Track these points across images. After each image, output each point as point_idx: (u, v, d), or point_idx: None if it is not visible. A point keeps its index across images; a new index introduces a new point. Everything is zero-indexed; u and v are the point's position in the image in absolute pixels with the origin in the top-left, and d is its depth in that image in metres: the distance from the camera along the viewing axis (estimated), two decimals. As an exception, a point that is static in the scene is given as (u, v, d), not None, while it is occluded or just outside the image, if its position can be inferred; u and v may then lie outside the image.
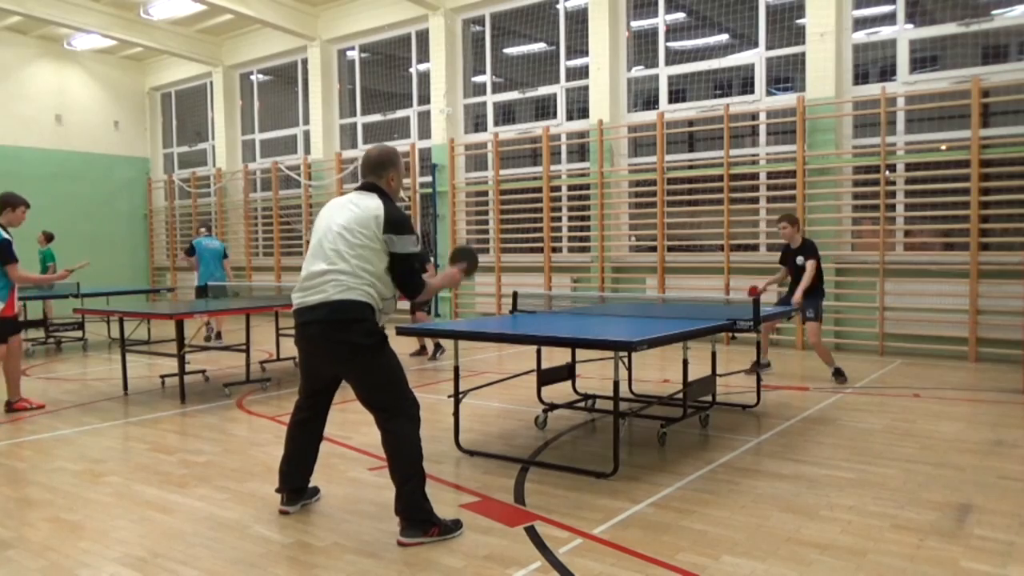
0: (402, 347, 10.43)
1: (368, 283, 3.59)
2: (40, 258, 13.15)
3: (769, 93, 10.63)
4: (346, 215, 3.65)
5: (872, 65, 10.01)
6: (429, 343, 9.47)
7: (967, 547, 3.45)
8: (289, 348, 9.79)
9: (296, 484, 4.05)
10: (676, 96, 11.40)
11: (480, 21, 13.30)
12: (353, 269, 3.58)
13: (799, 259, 7.55)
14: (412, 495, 3.60)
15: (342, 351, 3.62)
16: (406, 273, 3.68)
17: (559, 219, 12.45)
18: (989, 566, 3.25)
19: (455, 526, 3.67)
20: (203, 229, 12.82)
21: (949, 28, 9.34)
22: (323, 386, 3.96)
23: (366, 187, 3.77)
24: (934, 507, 3.97)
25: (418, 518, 3.59)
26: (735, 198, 10.58)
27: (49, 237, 13.12)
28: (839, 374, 7.57)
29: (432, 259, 9.21)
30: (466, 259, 4.19)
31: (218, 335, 11.56)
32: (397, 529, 3.72)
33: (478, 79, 13.51)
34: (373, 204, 3.64)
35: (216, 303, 8.65)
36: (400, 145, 14.19)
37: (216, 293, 10.60)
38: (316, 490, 4.21)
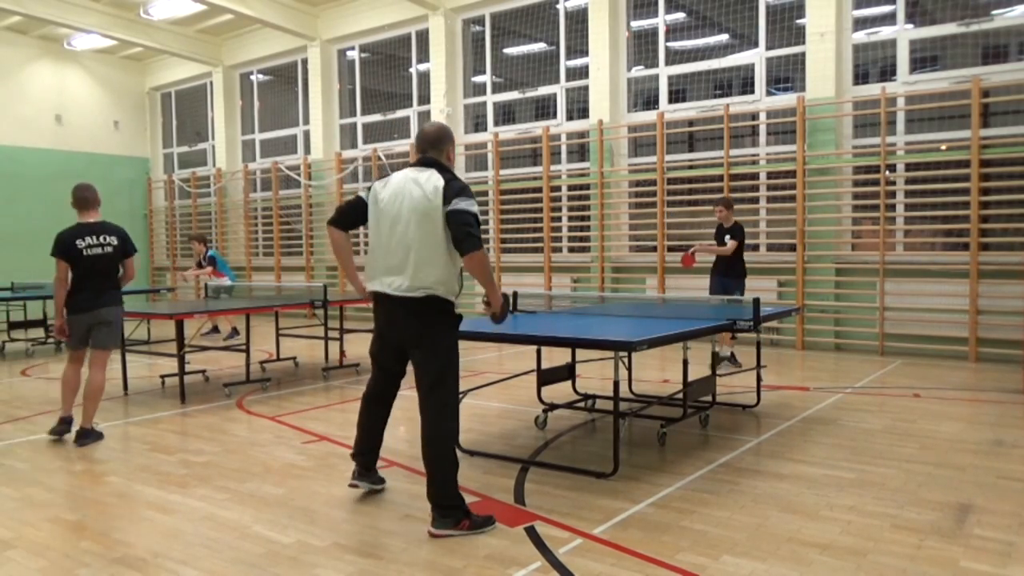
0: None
1: (445, 273, 3.69)
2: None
3: (769, 93, 10.63)
4: (419, 192, 3.69)
5: (872, 65, 10.01)
6: None
7: (967, 547, 3.45)
8: (289, 348, 9.81)
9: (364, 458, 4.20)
10: (676, 96, 11.40)
11: (480, 21, 13.30)
12: (428, 257, 3.66)
13: (727, 237, 8.41)
14: (443, 477, 3.68)
15: (424, 322, 3.75)
16: (464, 231, 3.63)
17: (559, 219, 12.45)
18: (989, 566, 3.25)
19: (487, 522, 3.70)
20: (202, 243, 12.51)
21: (949, 28, 9.34)
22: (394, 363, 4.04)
23: (426, 162, 3.83)
24: (934, 507, 3.97)
25: (446, 504, 3.65)
26: (735, 198, 10.56)
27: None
28: (733, 359, 8.44)
29: None
30: (504, 309, 4.06)
31: (234, 331, 11.52)
32: (398, 529, 3.73)
33: (478, 79, 13.51)
34: (435, 179, 3.70)
35: (216, 303, 8.65)
36: (400, 145, 14.21)
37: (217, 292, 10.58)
38: (383, 481, 4.30)
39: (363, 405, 4.19)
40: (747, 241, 10.70)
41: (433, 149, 3.86)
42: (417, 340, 3.76)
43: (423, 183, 3.71)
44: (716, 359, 7.06)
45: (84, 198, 5.97)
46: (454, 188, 3.67)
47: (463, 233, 3.63)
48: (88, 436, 5.58)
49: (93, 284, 5.71)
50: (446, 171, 3.78)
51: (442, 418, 3.72)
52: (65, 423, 5.69)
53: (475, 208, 3.69)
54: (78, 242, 5.70)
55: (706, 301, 7.76)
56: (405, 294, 3.71)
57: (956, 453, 4.99)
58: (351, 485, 4.18)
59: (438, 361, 3.75)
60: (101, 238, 5.76)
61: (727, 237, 8.40)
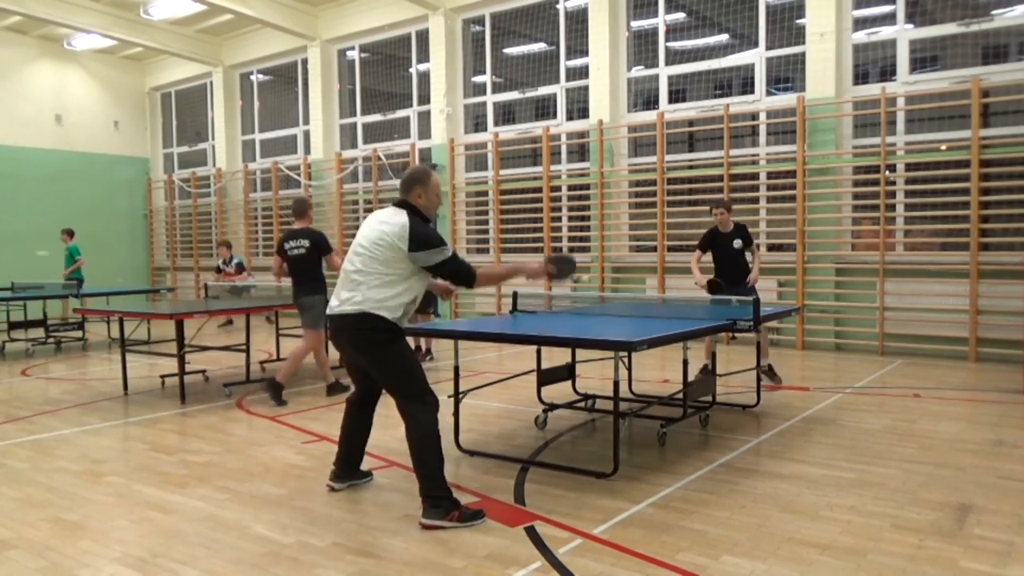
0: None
1: (382, 296, 3.90)
2: (67, 254, 13.17)
3: (769, 93, 10.63)
4: (376, 233, 3.96)
5: (872, 65, 10.01)
6: (424, 344, 9.40)
7: (967, 547, 3.45)
8: (289, 348, 9.78)
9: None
10: (676, 96, 11.40)
11: (480, 21, 13.30)
12: (370, 283, 3.91)
13: (736, 243, 7.61)
14: (429, 470, 3.85)
15: (361, 343, 4.00)
16: (447, 275, 4.06)
17: (559, 219, 12.45)
18: (989, 566, 3.25)
19: (476, 516, 3.82)
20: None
21: (949, 28, 9.34)
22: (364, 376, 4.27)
23: (398, 203, 4.08)
24: (934, 507, 3.97)
25: (434, 494, 3.80)
26: (735, 198, 10.57)
27: (71, 233, 13.22)
28: (771, 372, 7.60)
29: None
30: (558, 264, 4.47)
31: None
32: (398, 529, 3.73)
33: (478, 79, 13.51)
34: (400, 220, 3.94)
35: (216, 303, 8.64)
36: (400, 145, 14.21)
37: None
38: (369, 474, 4.51)
39: (346, 408, 4.40)
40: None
41: (404, 192, 4.10)
42: (363, 357, 4.04)
43: (388, 219, 3.98)
44: (772, 373, 7.40)
45: (295, 209, 7.34)
46: (418, 234, 3.90)
47: (454, 280, 4.07)
48: (273, 389, 6.78)
49: (296, 278, 7.14)
50: (414, 213, 4.00)
51: (416, 417, 3.92)
52: (333, 387, 7.20)
53: (446, 252, 3.96)
54: (286, 244, 7.13)
55: (706, 301, 7.72)
56: (343, 311, 3.97)
57: (956, 453, 4.99)
58: (328, 487, 4.37)
59: (388, 371, 4.00)
60: (298, 241, 7.09)
61: (736, 242, 7.69)
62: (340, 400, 4.55)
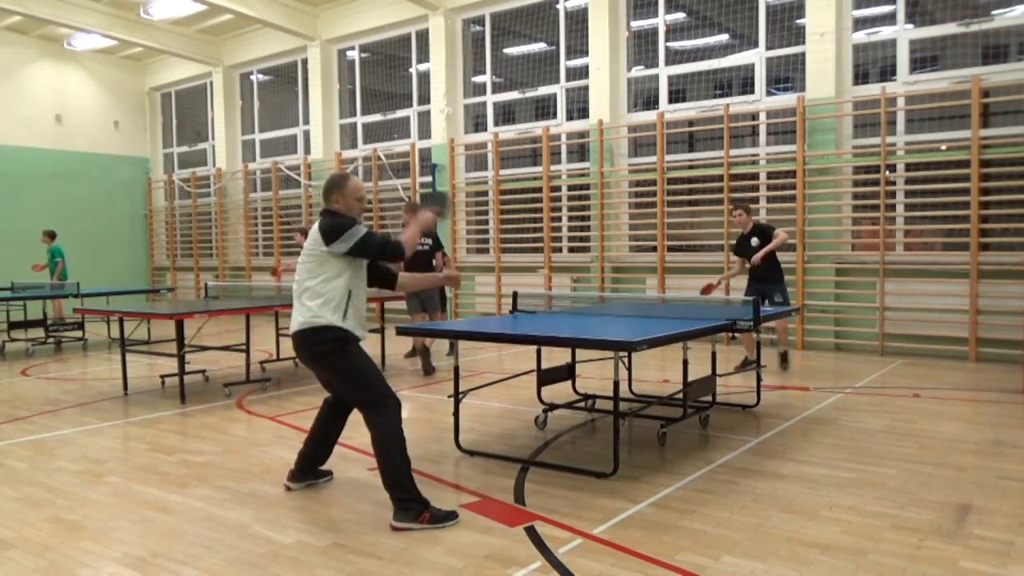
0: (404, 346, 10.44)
1: (319, 301, 3.99)
2: (49, 255, 13.18)
3: (769, 93, 10.63)
4: (306, 248, 4.09)
5: (872, 65, 10.01)
6: (428, 344, 9.27)
7: (967, 547, 3.45)
8: (289, 348, 9.78)
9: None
10: (676, 96, 11.40)
11: (480, 21, 13.30)
12: (308, 294, 4.02)
13: (754, 241, 7.92)
14: (394, 475, 3.87)
15: (312, 356, 4.11)
16: (376, 253, 4.08)
17: (559, 219, 12.45)
18: (989, 566, 3.25)
19: (448, 517, 3.80)
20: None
21: (949, 28, 9.34)
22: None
23: (320, 212, 4.18)
24: (934, 507, 3.97)
25: (401, 497, 3.82)
26: (735, 198, 10.57)
27: (52, 235, 13.21)
28: (784, 359, 8.26)
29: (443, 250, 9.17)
30: (435, 202, 4.68)
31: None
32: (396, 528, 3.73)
33: (478, 79, 13.51)
34: (314, 226, 4.08)
35: (217, 303, 8.64)
36: (400, 145, 14.21)
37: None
38: (328, 472, 4.55)
39: (322, 409, 4.42)
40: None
41: (325, 201, 4.20)
42: (320, 369, 4.15)
43: (311, 233, 4.09)
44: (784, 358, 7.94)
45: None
46: (327, 226, 3.98)
47: (387, 256, 4.10)
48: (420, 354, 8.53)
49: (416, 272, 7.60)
50: (330, 215, 4.09)
51: (377, 424, 3.94)
52: (417, 354, 8.70)
53: (360, 230, 3.98)
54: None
55: (705, 301, 7.73)
56: (294, 330, 4.07)
57: (956, 453, 4.99)
58: (285, 487, 4.40)
59: (342, 381, 4.10)
60: (423, 238, 7.86)
61: (754, 241, 7.91)
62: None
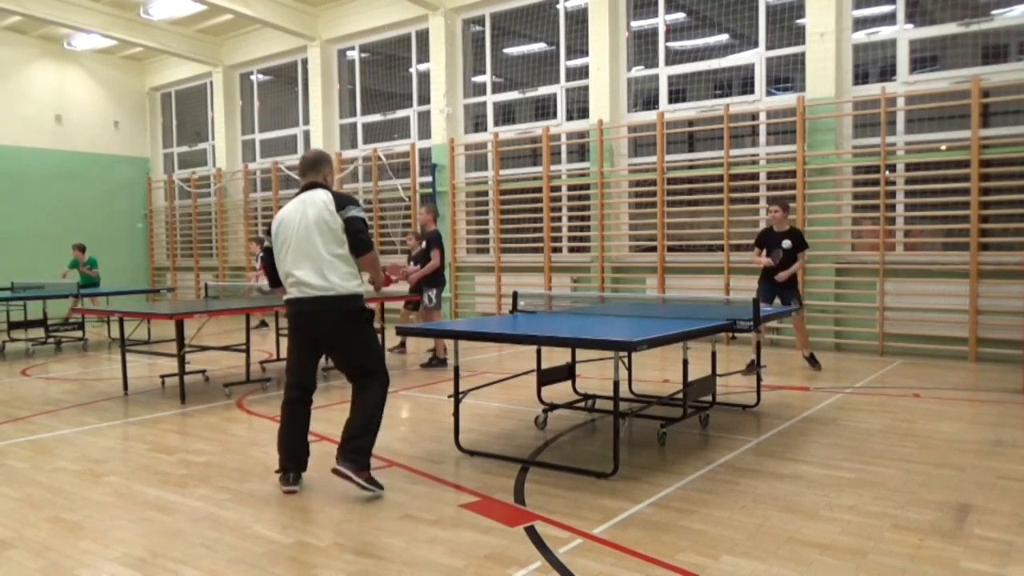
0: (416, 346, 10.42)
1: (352, 273, 4.25)
2: (88, 265, 12.98)
3: (769, 93, 10.63)
4: (311, 214, 4.21)
5: (872, 65, 10.01)
6: (439, 346, 9.21)
7: (967, 547, 3.45)
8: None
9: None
10: (676, 96, 11.40)
11: (480, 21, 13.30)
12: (331, 262, 4.19)
13: (785, 243, 7.90)
14: (371, 437, 4.24)
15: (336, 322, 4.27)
16: (357, 232, 4.24)
17: (559, 219, 12.45)
18: (989, 566, 3.25)
19: (378, 485, 4.19)
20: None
21: (949, 28, 9.34)
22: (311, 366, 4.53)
23: (309, 186, 4.37)
24: (934, 507, 3.97)
25: (361, 451, 4.18)
26: (735, 198, 10.58)
27: (83, 248, 13.11)
28: (813, 360, 8.20)
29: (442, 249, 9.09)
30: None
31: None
32: (398, 529, 3.73)
33: (478, 79, 13.51)
34: (323, 196, 4.25)
35: (217, 303, 8.65)
36: (400, 145, 14.21)
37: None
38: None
39: (290, 409, 4.50)
40: (747, 241, 10.74)
41: (312, 172, 4.40)
42: (341, 332, 4.27)
43: (315, 201, 4.24)
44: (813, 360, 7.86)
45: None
46: (342, 199, 4.27)
47: (356, 240, 4.23)
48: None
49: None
50: (328, 189, 4.36)
51: (374, 388, 4.28)
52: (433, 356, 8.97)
53: (363, 214, 4.31)
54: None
55: (705, 301, 7.73)
56: (321, 294, 4.18)
57: (956, 453, 4.99)
58: (291, 492, 4.37)
59: (363, 343, 4.30)
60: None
61: (786, 243, 7.84)
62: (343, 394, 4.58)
